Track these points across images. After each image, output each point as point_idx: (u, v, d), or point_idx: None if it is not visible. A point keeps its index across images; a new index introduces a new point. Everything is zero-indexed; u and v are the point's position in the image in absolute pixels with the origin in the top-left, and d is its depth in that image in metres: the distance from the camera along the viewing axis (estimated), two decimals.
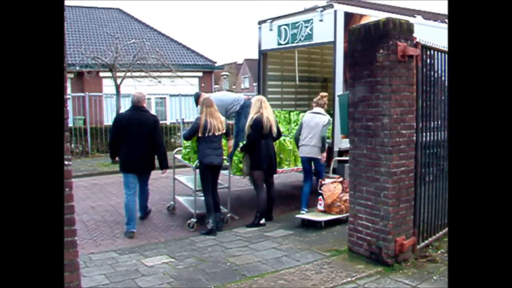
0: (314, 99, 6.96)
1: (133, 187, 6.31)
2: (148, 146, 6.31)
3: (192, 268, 4.52)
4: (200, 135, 6.07)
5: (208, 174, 6.17)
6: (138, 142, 6.19)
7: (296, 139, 6.86)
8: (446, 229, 5.06)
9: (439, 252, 4.66)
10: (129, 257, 4.93)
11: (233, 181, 7.46)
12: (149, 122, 6.36)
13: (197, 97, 7.40)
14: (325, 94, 7.09)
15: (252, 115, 6.39)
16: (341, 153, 7.21)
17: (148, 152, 6.36)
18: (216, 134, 6.11)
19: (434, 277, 4.02)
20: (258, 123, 6.25)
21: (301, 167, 7.00)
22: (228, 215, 6.72)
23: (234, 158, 6.87)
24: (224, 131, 6.24)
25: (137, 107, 6.39)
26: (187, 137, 6.38)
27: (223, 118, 6.30)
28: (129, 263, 4.72)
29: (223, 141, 6.52)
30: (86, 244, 5.79)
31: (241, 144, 6.66)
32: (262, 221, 6.32)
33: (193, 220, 6.42)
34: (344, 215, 5.94)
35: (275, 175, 6.80)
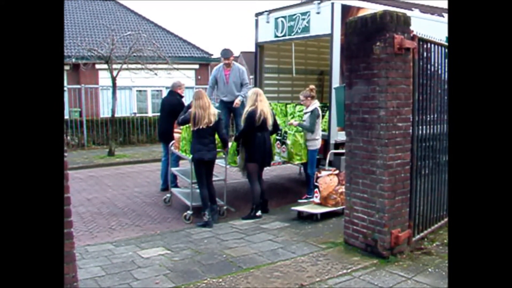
0: (306, 93, 6.98)
1: (163, 155, 8.28)
2: (169, 122, 7.72)
3: (188, 260, 4.53)
4: (191, 127, 6.06)
5: (201, 169, 6.17)
6: (162, 118, 8.28)
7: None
8: (442, 222, 5.09)
9: (434, 244, 4.69)
10: (125, 249, 4.93)
11: (229, 173, 7.47)
12: (172, 104, 7.94)
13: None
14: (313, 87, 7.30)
15: (247, 107, 6.39)
16: (337, 145, 7.22)
17: (166, 125, 7.92)
18: (204, 127, 6.01)
19: (429, 269, 4.05)
20: (251, 116, 6.25)
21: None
22: (224, 207, 6.74)
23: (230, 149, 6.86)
24: (212, 124, 6.05)
25: (171, 92, 8.29)
26: (180, 122, 6.42)
27: (213, 111, 6.16)
28: (125, 255, 4.73)
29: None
30: (82, 236, 5.80)
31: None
32: (258, 213, 6.33)
33: (189, 212, 6.43)
34: (340, 207, 5.96)
35: (271, 167, 6.80)
